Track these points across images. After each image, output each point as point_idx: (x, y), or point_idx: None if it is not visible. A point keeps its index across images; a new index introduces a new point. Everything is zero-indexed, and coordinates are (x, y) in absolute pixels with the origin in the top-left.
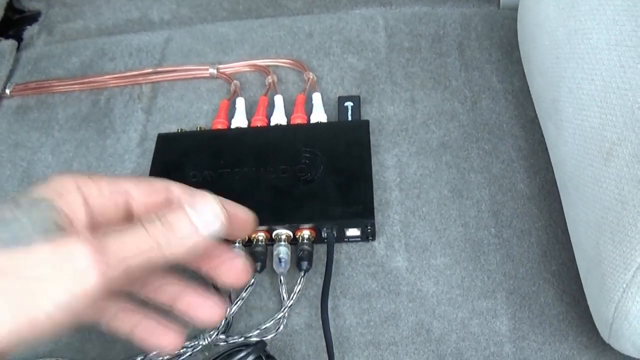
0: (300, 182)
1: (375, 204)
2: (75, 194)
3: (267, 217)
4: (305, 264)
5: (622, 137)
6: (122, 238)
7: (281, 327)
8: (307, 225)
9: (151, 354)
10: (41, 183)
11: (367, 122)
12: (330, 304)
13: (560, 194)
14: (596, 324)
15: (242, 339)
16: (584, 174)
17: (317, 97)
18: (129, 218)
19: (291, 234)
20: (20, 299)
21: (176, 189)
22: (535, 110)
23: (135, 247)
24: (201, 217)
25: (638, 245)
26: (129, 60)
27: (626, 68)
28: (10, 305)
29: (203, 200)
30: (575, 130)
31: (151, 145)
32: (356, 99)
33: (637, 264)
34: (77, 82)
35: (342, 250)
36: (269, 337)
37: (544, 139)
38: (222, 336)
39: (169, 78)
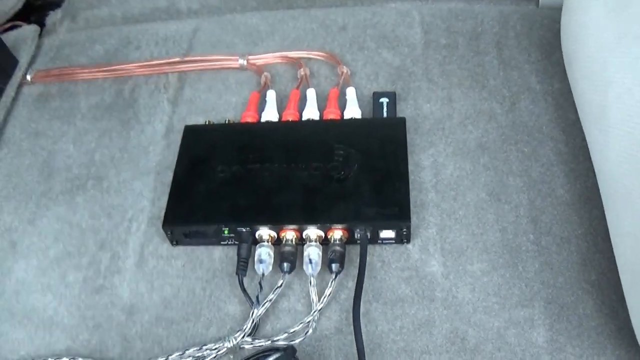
0: (333, 180)
1: (411, 206)
2: None
3: (298, 216)
4: (336, 266)
5: None
6: None
7: (310, 331)
8: (339, 226)
9: (172, 356)
10: None
11: (404, 119)
12: (361, 309)
13: (604, 202)
14: (638, 338)
15: (269, 342)
16: (633, 184)
17: (351, 92)
18: None
19: (323, 234)
20: None
21: None
22: (576, 114)
23: None
24: None
25: None
26: (154, 50)
27: None
28: None
29: None
30: (624, 138)
31: (177, 137)
32: (392, 95)
33: None
34: (101, 69)
35: (374, 253)
36: (297, 341)
37: (586, 143)
38: (248, 339)
39: (197, 68)
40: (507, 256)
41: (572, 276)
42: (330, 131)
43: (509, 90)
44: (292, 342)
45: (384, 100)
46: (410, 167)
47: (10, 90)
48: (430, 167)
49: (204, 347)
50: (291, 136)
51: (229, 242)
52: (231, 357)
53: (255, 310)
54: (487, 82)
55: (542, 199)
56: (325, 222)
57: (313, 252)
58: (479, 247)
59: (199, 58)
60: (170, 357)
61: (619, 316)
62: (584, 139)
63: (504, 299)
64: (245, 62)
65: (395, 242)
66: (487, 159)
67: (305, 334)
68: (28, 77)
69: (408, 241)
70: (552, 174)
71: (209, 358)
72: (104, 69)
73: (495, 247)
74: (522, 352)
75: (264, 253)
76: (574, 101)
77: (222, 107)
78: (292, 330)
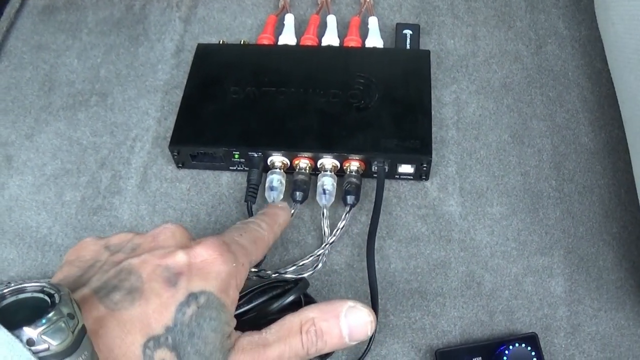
0: (353, 109)
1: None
2: (232, 285)
3: (313, 143)
4: (351, 198)
5: None
6: (281, 348)
7: (320, 265)
8: (356, 157)
9: None
10: (199, 270)
11: (429, 52)
12: (375, 245)
13: (631, 152)
14: None
15: (276, 274)
16: None
17: (373, 21)
18: None
19: (338, 164)
20: None
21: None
22: (603, 62)
23: (291, 356)
24: (352, 329)
25: None
26: None
27: None
28: None
29: (355, 312)
30: None
31: (188, 57)
32: (415, 28)
33: None
34: None
35: (391, 188)
36: (306, 274)
37: (612, 92)
38: (254, 269)
39: None
40: (527, 201)
41: (594, 227)
42: (351, 59)
43: (535, 33)
44: (301, 275)
45: (408, 32)
46: (432, 103)
47: (14, 1)
48: (452, 104)
49: None
50: (309, 61)
51: (238, 168)
52: None
53: None
54: (514, 23)
55: (566, 146)
56: (342, 152)
57: (327, 182)
58: (500, 190)
59: None
60: None
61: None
62: (610, 88)
63: (522, 245)
64: None
65: (414, 179)
66: (511, 100)
67: (315, 267)
68: None
69: (427, 178)
70: (576, 121)
71: None
72: None
73: (516, 191)
74: (540, 300)
75: (276, 180)
76: (601, 49)
77: (237, 28)
78: (301, 263)
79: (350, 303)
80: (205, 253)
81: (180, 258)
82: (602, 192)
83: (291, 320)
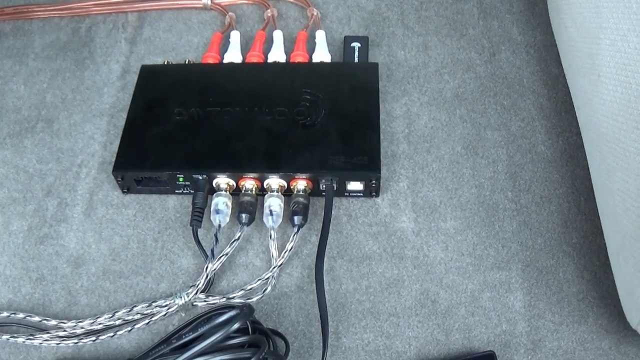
0: (299, 126)
1: (382, 157)
2: None
3: (259, 163)
4: (299, 219)
5: None
6: None
7: (269, 288)
8: (303, 176)
9: (119, 312)
10: None
11: (376, 65)
12: (325, 266)
13: (589, 159)
14: (624, 307)
15: (224, 299)
16: (626, 138)
17: (320, 35)
18: None
19: (285, 184)
20: None
21: None
22: (559, 67)
23: None
24: None
25: None
26: None
27: None
28: None
29: None
30: (617, 88)
31: (134, 78)
32: (364, 40)
33: None
34: (57, 7)
35: (341, 206)
36: (255, 299)
37: (568, 98)
38: (202, 295)
39: (158, 7)
40: (483, 214)
41: (552, 238)
42: (297, 75)
43: (488, 41)
44: (249, 300)
45: (356, 44)
46: (382, 116)
47: None
48: (403, 117)
49: (154, 304)
50: (255, 79)
51: (184, 191)
52: (183, 314)
53: (210, 265)
54: (466, 31)
55: (522, 155)
56: (288, 171)
57: (274, 203)
58: (453, 204)
59: None
60: (116, 314)
61: (602, 283)
62: (567, 94)
63: (478, 260)
64: (209, 2)
65: (364, 196)
66: (464, 111)
67: (264, 291)
68: None
69: (377, 194)
70: (532, 129)
71: (159, 315)
72: (61, 7)
73: (470, 204)
74: (498, 317)
75: (221, 203)
76: (557, 54)
77: (183, 47)
78: (249, 287)
79: None
80: None
81: None
82: (560, 202)
83: None
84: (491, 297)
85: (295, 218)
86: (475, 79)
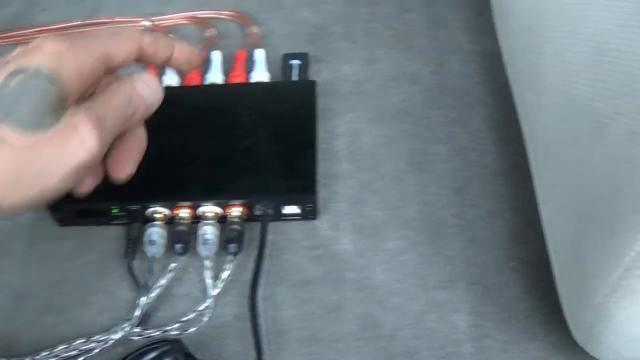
0: (235, 150)
1: (321, 177)
2: (69, 62)
3: (191, 191)
4: (234, 247)
5: (617, 109)
6: (110, 102)
7: (206, 319)
8: (237, 202)
9: (57, 348)
10: (32, 48)
11: (314, 82)
12: (264, 293)
13: (533, 173)
14: (570, 326)
15: (161, 332)
16: (567, 152)
17: (259, 54)
18: (108, 72)
19: (220, 211)
20: (36, 175)
21: (146, 38)
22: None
23: (118, 109)
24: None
25: (628, 241)
26: (62, 12)
27: (624, 27)
28: (28, 180)
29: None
30: (559, 100)
31: None
32: (304, 57)
33: (625, 263)
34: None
35: (279, 230)
36: (192, 330)
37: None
38: (137, 329)
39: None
40: (427, 232)
41: (500, 254)
42: (234, 96)
43: (436, 51)
44: (187, 332)
45: (295, 62)
46: (324, 135)
47: None
48: (346, 135)
49: (91, 339)
50: (191, 102)
51: (121, 222)
52: (120, 349)
53: (144, 298)
54: (413, 42)
55: (468, 169)
56: (221, 198)
57: (208, 231)
58: (397, 223)
59: (101, 21)
60: (54, 351)
61: (552, 298)
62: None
63: (423, 280)
64: (149, 24)
65: (302, 218)
66: (409, 125)
67: (201, 322)
68: None
69: (315, 217)
70: (480, 142)
71: (96, 351)
72: (2, 35)
73: (414, 222)
74: (443, 339)
75: (155, 233)
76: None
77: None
78: (185, 319)
79: None
80: (40, 39)
81: (15, 50)
82: (507, 216)
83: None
84: (436, 318)
85: (230, 246)
86: (421, 92)
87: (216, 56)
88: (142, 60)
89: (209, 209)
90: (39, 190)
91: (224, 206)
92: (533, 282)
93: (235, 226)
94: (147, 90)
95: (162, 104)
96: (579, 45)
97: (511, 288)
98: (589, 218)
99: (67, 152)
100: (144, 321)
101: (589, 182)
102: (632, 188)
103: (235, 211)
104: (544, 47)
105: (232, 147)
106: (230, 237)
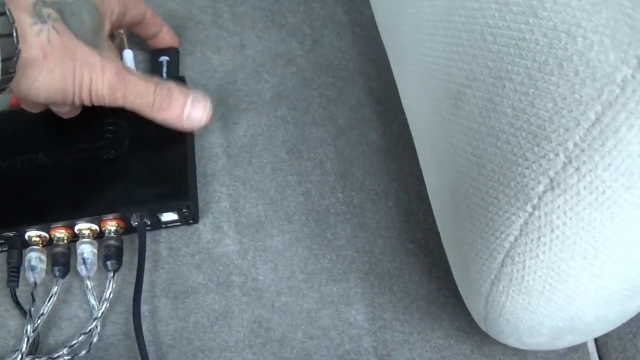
0: (102, 162)
1: (199, 178)
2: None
3: (63, 210)
4: (112, 263)
5: (471, 75)
6: (139, 84)
7: (94, 340)
8: (111, 216)
9: None
10: None
11: (182, 78)
12: (149, 307)
13: (417, 150)
14: (470, 313)
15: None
16: (432, 126)
17: (128, 55)
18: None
19: (96, 227)
20: (79, 76)
21: (150, 11)
22: None
23: (139, 95)
24: (194, 112)
25: (503, 225)
26: None
27: None
28: (73, 77)
29: (203, 99)
30: (417, 69)
31: None
32: (174, 52)
33: (505, 249)
34: None
35: (160, 239)
36: (82, 353)
37: None
38: (28, 358)
39: None
40: (312, 223)
41: (393, 237)
42: (97, 106)
43: (310, 27)
44: (78, 355)
45: (164, 58)
46: (194, 134)
47: None
48: (220, 130)
49: None
50: (52, 118)
51: (2, 249)
52: None
53: (29, 326)
54: (286, 20)
55: (352, 149)
56: (93, 214)
57: (86, 250)
58: (279, 217)
59: None
60: None
61: (454, 279)
62: None
63: (311, 276)
64: None
65: (182, 224)
66: (286, 110)
67: (90, 345)
68: None
69: (196, 220)
70: (362, 117)
71: None
72: None
73: (298, 214)
74: (339, 336)
75: (34, 258)
76: None
77: None
78: (74, 343)
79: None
80: None
81: None
82: (399, 195)
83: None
84: (330, 315)
85: (109, 263)
86: (296, 73)
87: None
88: (138, 28)
89: (85, 226)
90: (79, 88)
91: (98, 222)
92: (433, 264)
93: (112, 242)
94: (191, 114)
95: (20, 123)
96: (430, 7)
97: (409, 273)
98: (460, 200)
99: (102, 68)
100: (34, 349)
101: (454, 158)
102: (497, 163)
103: (111, 225)
104: (401, 12)
105: (98, 159)
106: (108, 254)
